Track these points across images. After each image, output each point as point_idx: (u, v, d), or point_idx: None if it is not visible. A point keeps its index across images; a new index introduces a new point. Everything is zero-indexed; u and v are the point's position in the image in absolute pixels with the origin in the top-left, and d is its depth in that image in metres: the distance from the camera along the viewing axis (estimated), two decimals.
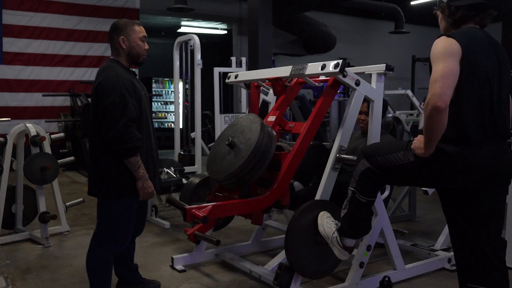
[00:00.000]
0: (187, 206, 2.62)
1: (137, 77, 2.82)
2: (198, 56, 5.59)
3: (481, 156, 2.01)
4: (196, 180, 3.85)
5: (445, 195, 2.18)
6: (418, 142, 2.09)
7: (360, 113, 3.45)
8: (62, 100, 9.48)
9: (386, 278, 3.05)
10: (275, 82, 3.20)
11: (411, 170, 2.15)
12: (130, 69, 2.75)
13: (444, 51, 1.98)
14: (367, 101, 3.54)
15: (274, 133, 2.83)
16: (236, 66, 7.57)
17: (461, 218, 2.12)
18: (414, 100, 7.30)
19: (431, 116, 1.92)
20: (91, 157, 2.65)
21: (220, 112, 6.86)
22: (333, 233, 2.48)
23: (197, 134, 5.80)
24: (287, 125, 3.12)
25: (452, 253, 3.47)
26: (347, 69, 2.73)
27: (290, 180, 2.88)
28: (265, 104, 3.94)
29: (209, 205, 2.61)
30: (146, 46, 2.76)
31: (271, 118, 3.06)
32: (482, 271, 2.07)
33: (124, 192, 2.60)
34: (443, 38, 2.04)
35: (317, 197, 2.79)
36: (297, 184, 3.51)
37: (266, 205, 2.80)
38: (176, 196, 4.99)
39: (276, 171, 2.83)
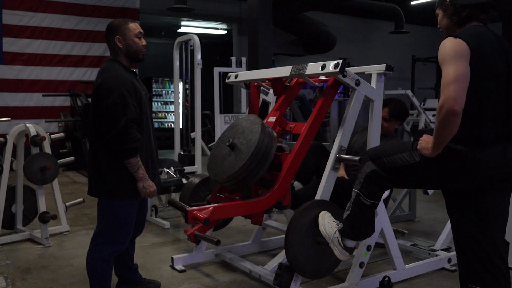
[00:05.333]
0: (188, 208, 2.59)
1: (138, 77, 2.82)
2: (198, 56, 5.59)
3: (491, 155, 2.00)
4: (196, 180, 3.85)
5: (450, 195, 2.18)
6: (425, 142, 2.07)
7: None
8: (62, 100, 9.48)
9: (386, 278, 3.05)
10: (275, 82, 3.20)
11: (417, 170, 2.14)
12: (131, 69, 2.75)
13: (453, 53, 1.95)
14: (386, 106, 3.56)
15: (275, 134, 2.82)
16: (236, 66, 7.57)
17: (465, 218, 2.11)
18: (414, 100, 7.30)
19: (445, 119, 1.90)
20: (91, 157, 2.65)
21: (220, 112, 6.87)
22: (335, 233, 2.47)
23: (197, 134, 5.80)
24: (287, 126, 3.12)
25: (452, 253, 3.48)
26: (347, 69, 2.73)
27: (291, 180, 2.87)
28: (265, 104, 3.94)
29: (210, 207, 2.60)
30: (144, 42, 2.74)
31: (272, 119, 3.06)
32: (484, 271, 2.07)
33: (124, 192, 2.60)
34: (450, 39, 2.01)
35: (317, 197, 2.79)
36: (297, 184, 3.51)
37: (268, 206, 2.80)
38: (176, 196, 5.00)
39: (277, 171, 2.83)
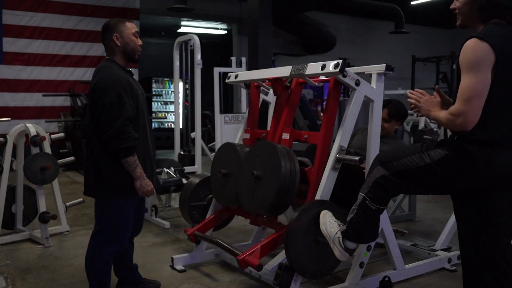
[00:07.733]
0: (240, 256, 2.78)
1: (134, 76, 2.82)
2: (198, 56, 5.59)
3: (503, 157, 1.98)
4: (196, 180, 3.85)
5: (459, 200, 2.15)
6: (427, 104, 2.15)
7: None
8: (62, 100, 9.48)
9: (386, 278, 3.05)
10: (275, 82, 3.20)
11: (428, 172, 2.11)
12: (127, 68, 2.75)
13: (478, 60, 1.91)
14: (385, 107, 3.55)
15: (291, 151, 2.89)
16: (236, 66, 7.57)
17: (473, 223, 2.08)
18: None
19: (455, 128, 1.97)
20: (88, 157, 2.64)
21: (220, 112, 6.85)
22: (336, 233, 2.46)
23: (197, 134, 5.80)
24: (302, 136, 3.12)
25: (452, 253, 3.48)
26: (347, 69, 2.73)
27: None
28: (265, 104, 3.94)
29: (257, 249, 2.79)
30: (140, 42, 2.75)
31: (285, 136, 3.10)
32: (489, 277, 2.04)
33: (122, 191, 2.59)
34: (475, 41, 1.93)
35: (317, 197, 2.79)
36: None
37: None
38: (176, 196, 5.00)
39: (305, 183, 2.91)
